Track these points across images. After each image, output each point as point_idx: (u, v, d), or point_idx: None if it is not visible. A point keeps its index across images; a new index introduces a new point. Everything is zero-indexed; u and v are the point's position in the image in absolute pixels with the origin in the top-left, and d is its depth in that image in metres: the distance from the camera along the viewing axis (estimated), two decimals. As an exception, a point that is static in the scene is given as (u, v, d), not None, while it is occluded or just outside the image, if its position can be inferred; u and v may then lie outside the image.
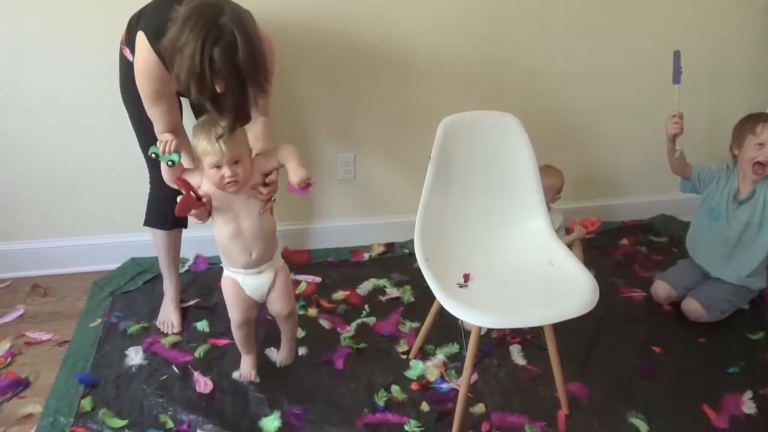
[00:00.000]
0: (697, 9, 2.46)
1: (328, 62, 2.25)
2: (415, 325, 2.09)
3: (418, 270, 1.66)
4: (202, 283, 2.31)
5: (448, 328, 2.01)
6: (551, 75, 2.45)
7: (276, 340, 1.94)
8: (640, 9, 2.41)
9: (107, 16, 1.97)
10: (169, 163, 1.51)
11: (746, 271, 2.14)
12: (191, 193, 1.53)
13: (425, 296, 2.00)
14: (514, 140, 1.78)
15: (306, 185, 1.51)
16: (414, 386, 1.87)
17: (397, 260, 2.48)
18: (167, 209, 1.91)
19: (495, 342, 2.05)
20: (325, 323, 2.12)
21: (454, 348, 2.00)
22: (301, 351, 1.99)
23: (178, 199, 1.52)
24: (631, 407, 1.81)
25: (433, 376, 1.90)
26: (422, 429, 1.73)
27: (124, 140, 1.94)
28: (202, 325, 2.09)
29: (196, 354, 1.97)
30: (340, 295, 2.26)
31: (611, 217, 2.78)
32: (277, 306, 1.77)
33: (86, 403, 1.77)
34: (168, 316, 2.08)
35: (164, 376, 1.88)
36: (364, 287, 2.30)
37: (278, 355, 1.94)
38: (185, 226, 2.03)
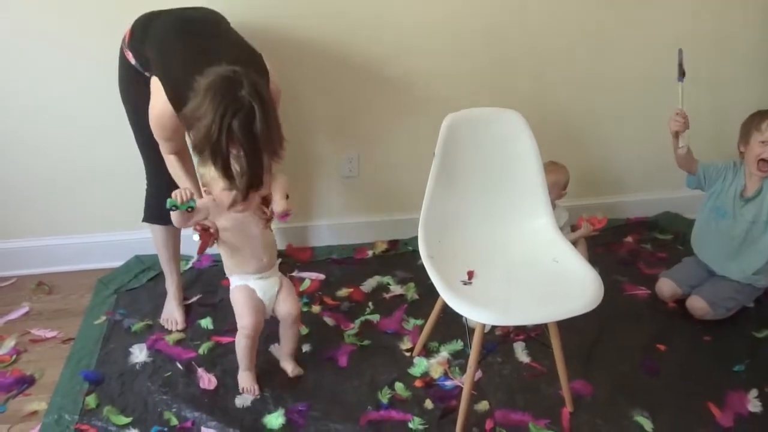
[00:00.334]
0: (700, 6, 2.44)
1: (331, 61, 2.24)
2: (419, 322, 2.08)
3: (422, 267, 1.66)
4: (206, 281, 2.31)
5: (452, 326, 2.01)
6: (556, 72, 2.44)
7: (277, 337, 1.94)
8: (644, 8, 2.40)
9: (108, 13, 1.98)
10: (189, 209, 1.57)
11: (752, 268, 2.13)
12: (208, 231, 1.66)
13: (429, 293, 2.00)
14: (518, 137, 1.78)
15: (285, 215, 1.69)
16: (418, 383, 1.87)
17: (401, 258, 2.47)
18: (164, 203, 1.93)
19: (499, 339, 2.04)
20: (328, 320, 2.12)
21: (458, 345, 2.00)
22: (305, 348, 1.99)
23: (195, 238, 1.65)
24: (636, 405, 1.80)
25: (437, 373, 1.90)
26: (426, 426, 1.73)
27: (125, 137, 1.94)
28: (206, 323, 2.09)
29: (200, 351, 1.97)
30: (343, 292, 2.26)
31: (616, 214, 2.77)
32: (287, 305, 1.80)
33: (91, 401, 1.78)
34: (171, 314, 2.08)
35: (168, 373, 1.89)
36: (368, 284, 2.30)
37: (288, 368, 1.90)
38: None
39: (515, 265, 1.73)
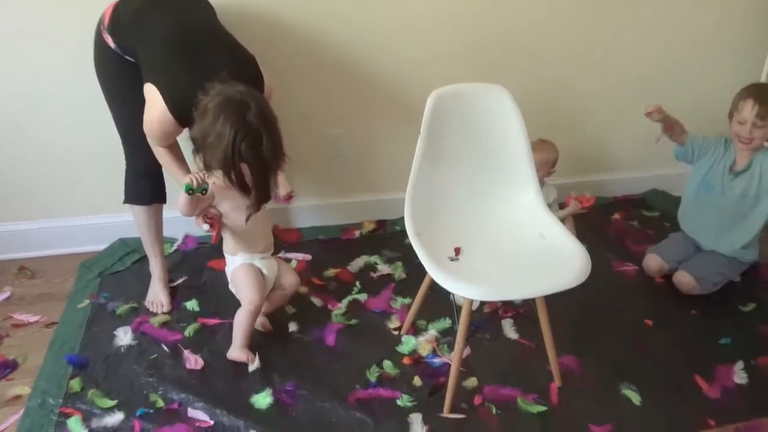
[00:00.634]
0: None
1: (313, 41, 2.20)
2: (407, 301, 2.07)
3: (410, 247, 1.65)
4: (191, 262, 2.28)
5: (440, 304, 2.00)
6: (544, 50, 2.42)
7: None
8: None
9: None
10: (203, 192, 1.61)
11: (741, 242, 2.13)
12: (216, 218, 1.72)
13: (417, 272, 1.98)
14: (504, 112, 1.75)
15: (289, 197, 1.82)
16: (406, 361, 1.86)
17: (389, 237, 2.46)
18: (144, 183, 1.93)
19: (487, 316, 2.04)
20: (316, 301, 2.10)
21: (446, 323, 1.99)
22: (292, 328, 1.98)
23: (205, 227, 1.71)
24: (624, 379, 1.81)
25: (425, 351, 1.89)
26: (414, 403, 1.72)
27: (105, 119, 1.90)
28: (192, 304, 2.06)
29: (186, 333, 1.95)
30: (331, 272, 2.24)
31: (603, 192, 2.77)
32: (291, 277, 1.92)
33: (75, 384, 1.76)
34: (156, 296, 2.06)
35: (154, 356, 1.87)
36: (355, 264, 2.29)
37: (258, 321, 1.94)
38: (164, 201, 2.01)
39: (502, 241, 1.72)
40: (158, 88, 1.63)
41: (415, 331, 1.97)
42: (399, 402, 1.72)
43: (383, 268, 2.26)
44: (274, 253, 1.93)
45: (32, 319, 2.03)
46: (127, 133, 1.90)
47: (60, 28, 2.02)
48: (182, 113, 1.62)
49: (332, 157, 2.43)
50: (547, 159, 2.19)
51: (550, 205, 1.98)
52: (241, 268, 1.81)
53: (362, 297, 2.12)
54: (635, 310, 2.09)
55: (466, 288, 1.49)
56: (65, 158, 2.23)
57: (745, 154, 2.09)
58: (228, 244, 1.83)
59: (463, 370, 1.80)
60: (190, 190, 1.58)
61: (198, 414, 1.68)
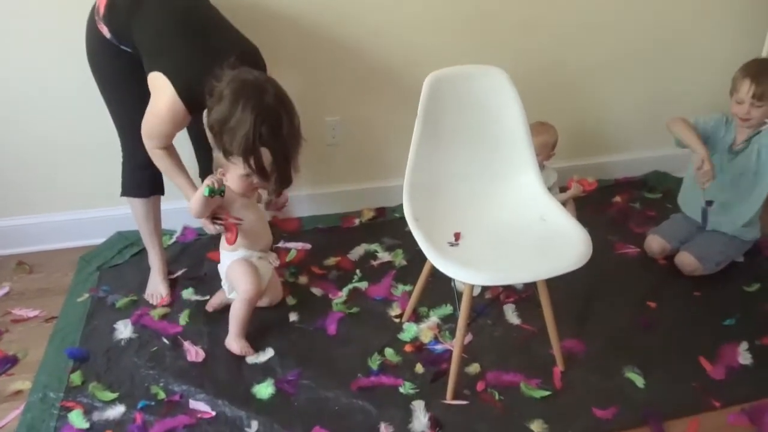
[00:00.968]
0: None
1: (306, 25, 2.17)
2: (408, 288, 2.06)
3: (410, 234, 1.63)
4: (190, 254, 2.27)
5: (441, 290, 1.99)
6: (543, 29, 2.39)
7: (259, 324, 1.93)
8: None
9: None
10: (221, 194, 1.65)
11: (742, 220, 2.12)
12: (230, 219, 1.75)
13: (417, 259, 1.98)
14: (502, 94, 1.73)
15: (284, 204, 1.98)
16: (408, 348, 1.85)
17: (389, 224, 2.44)
18: (142, 176, 1.90)
19: (488, 302, 2.03)
20: (316, 291, 2.09)
21: (447, 309, 1.98)
22: (293, 317, 1.97)
23: (213, 229, 1.75)
24: (628, 362, 1.80)
25: (426, 337, 1.88)
26: (417, 390, 1.71)
27: (101, 112, 1.88)
28: (192, 297, 2.05)
29: (186, 324, 1.94)
30: (331, 261, 2.23)
31: (605, 174, 2.74)
32: (276, 291, 1.98)
33: (76, 378, 1.75)
34: (156, 288, 2.05)
35: (155, 348, 1.86)
36: (356, 252, 2.27)
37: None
38: (162, 193, 2.00)
39: (502, 225, 1.70)
40: (167, 75, 1.60)
41: (417, 318, 1.96)
42: (401, 389, 1.71)
43: (383, 256, 2.25)
44: (275, 243, 1.93)
45: (32, 313, 2.02)
46: (124, 125, 1.88)
47: (55, 22, 2.00)
48: (193, 100, 1.60)
49: (329, 144, 2.41)
50: (546, 142, 2.16)
51: (550, 189, 1.96)
52: (238, 262, 1.82)
53: (363, 285, 2.10)
54: (638, 292, 2.07)
55: (467, 273, 1.47)
56: (61, 152, 2.21)
57: (745, 132, 2.07)
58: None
59: (466, 357, 1.79)
60: (212, 193, 1.60)
61: (199, 405, 1.67)
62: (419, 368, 1.78)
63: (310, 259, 2.24)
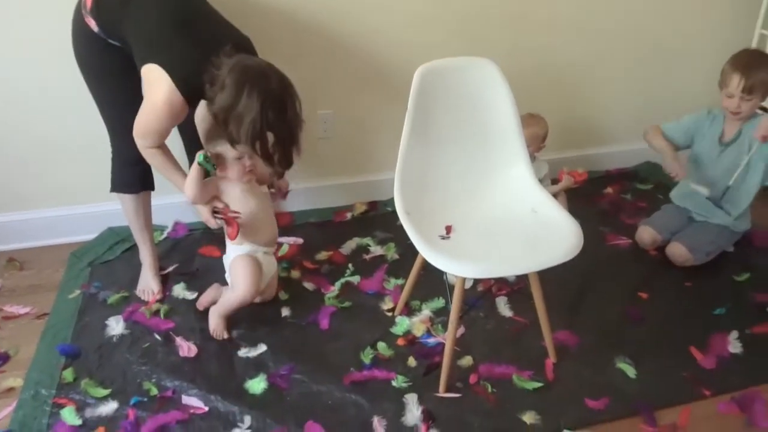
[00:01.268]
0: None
1: (296, 19, 2.16)
2: (400, 282, 2.06)
3: (402, 227, 1.63)
4: (182, 249, 2.26)
5: (434, 284, 1.99)
6: (534, 22, 2.39)
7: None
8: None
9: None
10: (213, 167, 1.71)
11: (735, 212, 2.13)
12: (228, 212, 1.75)
13: (409, 253, 1.97)
14: (493, 86, 1.73)
15: (287, 191, 1.98)
16: (400, 342, 1.85)
17: (381, 218, 2.44)
18: (132, 171, 1.89)
19: (481, 295, 2.03)
20: (308, 285, 2.08)
21: (439, 303, 1.98)
22: (285, 312, 1.96)
23: (215, 223, 1.76)
24: (619, 352, 1.81)
25: (419, 331, 1.88)
26: (410, 383, 1.72)
27: (90, 108, 1.86)
28: (184, 292, 2.05)
29: (179, 320, 1.93)
30: (323, 255, 2.22)
31: (596, 166, 2.75)
32: (272, 289, 1.99)
33: (68, 374, 1.74)
34: (148, 284, 2.04)
35: (147, 344, 1.85)
36: (348, 246, 2.27)
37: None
38: (152, 188, 1.98)
39: (493, 217, 1.70)
40: (163, 67, 1.58)
41: (409, 311, 1.96)
42: (394, 383, 1.72)
43: (376, 250, 2.25)
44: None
45: (23, 310, 2.01)
46: (113, 120, 1.86)
47: (42, 17, 1.98)
48: (190, 91, 1.59)
49: (320, 138, 2.40)
50: (536, 134, 2.17)
51: (541, 180, 1.97)
52: (243, 258, 1.81)
53: (355, 279, 2.10)
54: (630, 283, 2.08)
55: (457, 266, 1.47)
56: (51, 148, 2.19)
57: (735, 124, 2.08)
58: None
59: (458, 349, 1.79)
60: (206, 159, 1.66)
61: (192, 401, 1.67)
62: (412, 362, 1.79)
63: (303, 254, 2.24)
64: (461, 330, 1.88)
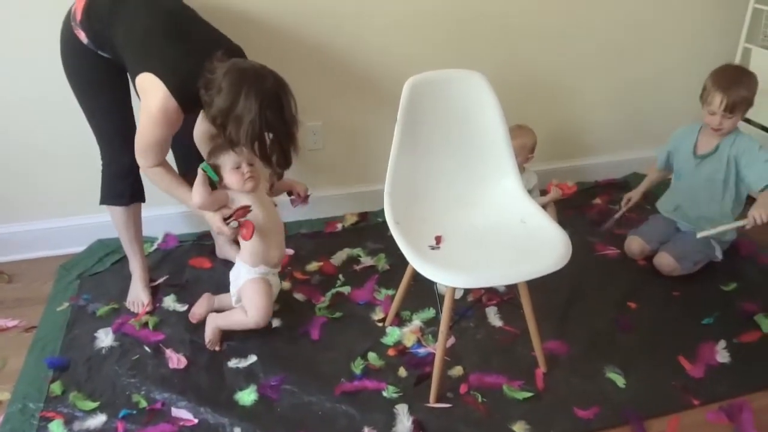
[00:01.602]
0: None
1: (284, 31, 2.17)
2: (391, 292, 2.07)
3: (393, 238, 1.62)
4: (172, 261, 2.26)
5: (424, 294, 1.99)
6: (523, 33, 2.41)
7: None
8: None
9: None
10: (214, 178, 1.72)
11: (710, 225, 2.14)
12: (243, 211, 1.73)
13: (400, 263, 1.97)
14: (481, 98, 1.74)
15: (307, 196, 1.97)
16: (391, 352, 1.85)
17: (372, 229, 2.45)
18: (122, 183, 1.89)
19: (471, 305, 2.04)
20: (299, 296, 2.08)
21: (430, 313, 1.99)
22: (276, 323, 1.96)
23: (234, 225, 1.73)
24: (608, 362, 1.81)
25: (410, 341, 1.89)
26: (400, 394, 1.72)
27: (79, 119, 1.86)
28: (174, 303, 2.04)
29: (168, 332, 1.92)
30: (314, 266, 2.23)
31: (585, 177, 2.78)
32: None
33: (56, 387, 1.73)
34: (138, 296, 2.03)
35: (136, 356, 1.84)
36: (339, 257, 2.27)
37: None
38: (143, 200, 1.98)
39: (483, 227, 1.71)
40: (156, 74, 1.58)
41: (400, 322, 1.97)
42: (385, 393, 1.72)
43: (366, 260, 2.25)
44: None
45: (11, 323, 2.00)
46: (102, 131, 1.86)
47: (33, 29, 1.98)
48: (185, 98, 1.60)
49: (310, 149, 2.41)
50: (524, 144, 2.18)
51: (530, 191, 1.98)
52: (256, 283, 1.80)
53: (346, 289, 2.10)
54: (619, 293, 2.10)
55: (447, 276, 1.48)
56: (40, 160, 2.19)
57: (713, 138, 2.10)
58: (246, 253, 1.81)
59: (448, 359, 1.79)
60: (209, 170, 1.68)
61: (181, 413, 1.66)
62: (402, 372, 1.79)
63: (293, 264, 2.24)
64: (451, 340, 1.88)
